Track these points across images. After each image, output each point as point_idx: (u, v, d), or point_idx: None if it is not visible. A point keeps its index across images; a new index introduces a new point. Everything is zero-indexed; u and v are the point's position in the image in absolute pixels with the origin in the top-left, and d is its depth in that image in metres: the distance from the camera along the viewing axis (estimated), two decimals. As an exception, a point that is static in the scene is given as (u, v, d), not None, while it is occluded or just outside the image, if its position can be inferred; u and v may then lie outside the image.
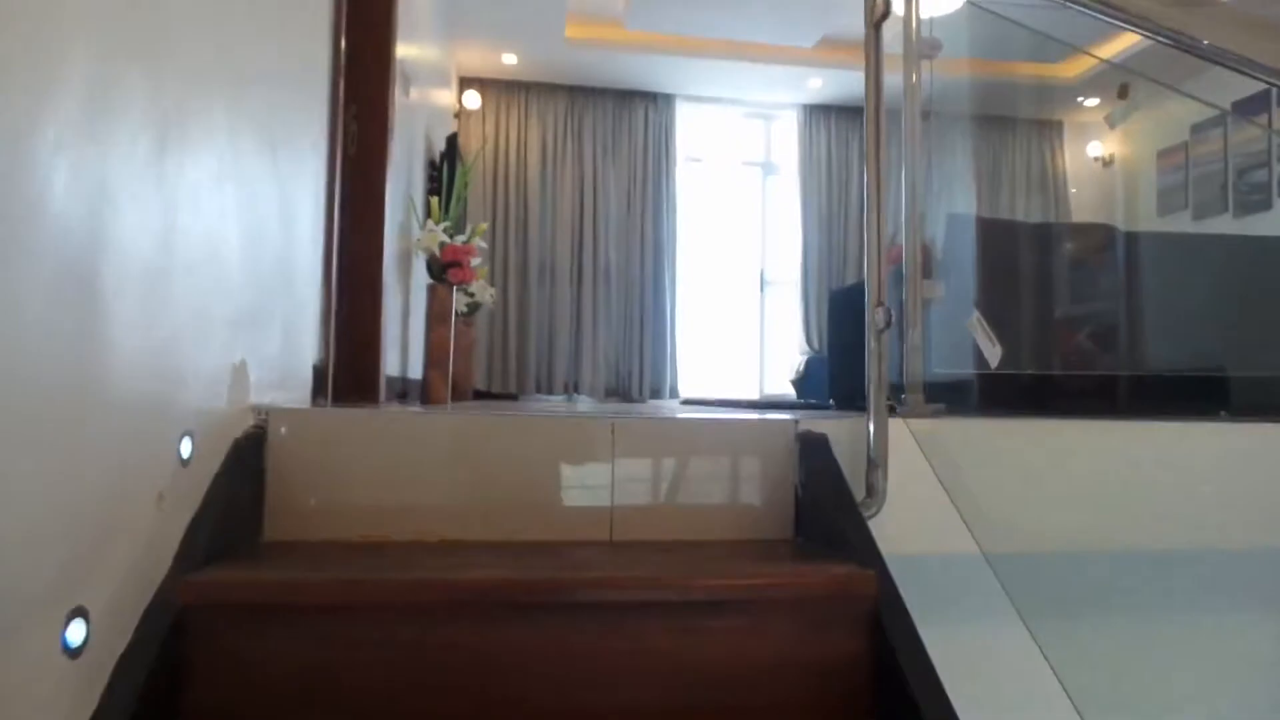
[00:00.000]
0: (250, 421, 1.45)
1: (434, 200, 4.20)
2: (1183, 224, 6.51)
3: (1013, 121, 7.50)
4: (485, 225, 6.08)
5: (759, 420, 1.67)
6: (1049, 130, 7.54)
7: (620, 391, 6.98)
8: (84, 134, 0.94)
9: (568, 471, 1.55)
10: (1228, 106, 6.11)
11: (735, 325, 7.23)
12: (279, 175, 1.76)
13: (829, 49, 6.28)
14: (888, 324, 1.53)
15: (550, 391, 6.87)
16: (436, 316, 4.16)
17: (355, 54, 3.34)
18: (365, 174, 3.36)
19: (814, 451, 1.60)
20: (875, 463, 1.57)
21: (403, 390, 3.99)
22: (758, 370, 7.39)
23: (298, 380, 1.89)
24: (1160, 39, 1.27)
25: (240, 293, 1.49)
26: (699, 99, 7.13)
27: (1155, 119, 6.84)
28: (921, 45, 1.90)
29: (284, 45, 1.83)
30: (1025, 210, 7.50)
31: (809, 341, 7.19)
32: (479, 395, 6.70)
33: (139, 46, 1.07)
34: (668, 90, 7.02)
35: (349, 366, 3.32)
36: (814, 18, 5.67)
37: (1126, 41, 6.16)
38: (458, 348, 6.34)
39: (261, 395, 1.59)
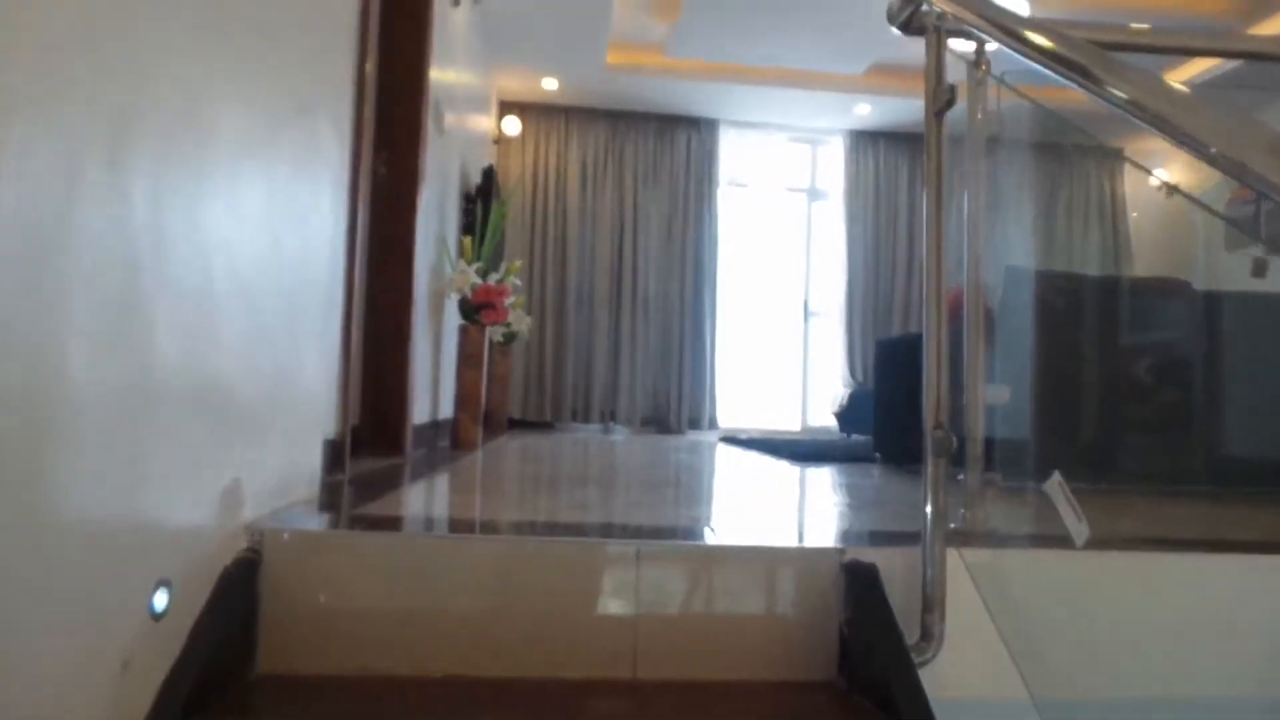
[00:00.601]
0: (243, 545, 1.33)
1: (467, 240, 4.09)
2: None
3: (1069, 149, 7.21)
4: (520, 263, 5.97)
5: (799, 550, 1.51)
6: (1108, 159, 7.23)
7: (658, 421, 6.84)
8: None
9: (589, 603, 1.40)
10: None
11: (777, 355, 7.04)
12: (281, 236, 1.64)
13: (879, 75, 6.08)
14: (949, 451, 1.36)
15: (587, 420, 6.74)
16: (468, 358, 4.06)
17: (385, 84, 3.25)
18: (394, 219, 3.26)
19: (862, 585, 1.43)
20: (931, 603, 1.40)
21: (433, 436, 3.89)
22: (800, 401, 7.19)
23: (303, 474, 1.77)
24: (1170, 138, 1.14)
25: (237, 398, 1.38)
26: (743, 124, 6.97)
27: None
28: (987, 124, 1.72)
29: (286, 72, 1.72)
30: (1082, 242, 7.20)
31: (853, 373, 6.97)
32: (514, 424, 6.61)
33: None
34: (710, 115, 6.87)
35: (374, 418, 3.22)
36: (864, 45, 5.48)
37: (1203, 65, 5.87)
38: (492, 377, 6.26)
39: (260, 505, 1.47)
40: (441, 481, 2.52)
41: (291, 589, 1.29)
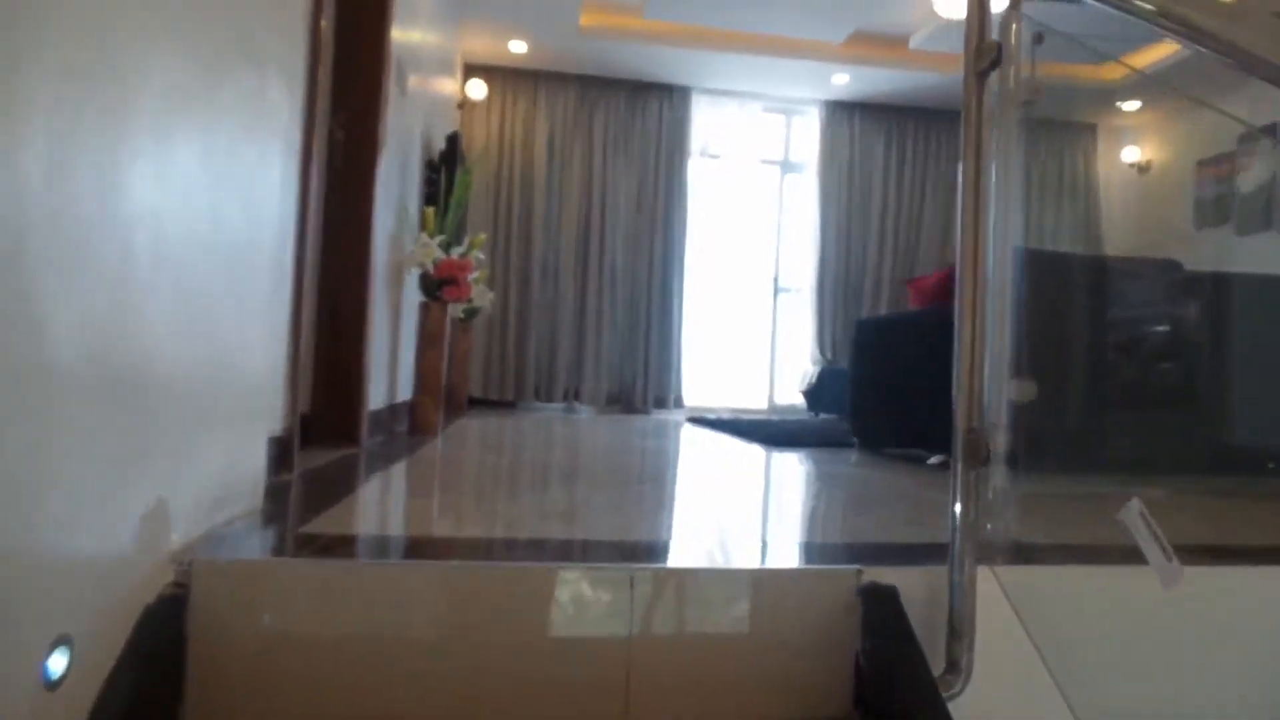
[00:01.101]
0: (168, 578, 1.12)
1: (429, 211, 3.85)
2: (1225, 237, 6.16)
3: (1047, 124, 7.13)
4: (484, 237, 5.73)
5: (812, 571, 1.34)
6: (1081, 134, 7.16)
7: (623, 399, 6.66)
8: None
9: (575, 632, 1.23)
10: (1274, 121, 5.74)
11: (746, 332, 6.89)
12: (222, 207, 1.42)
13: (859, 43, 5.90)
14: (986, 460, 1.20)
15: (550, 399, 6.54)
16: (429, 337, 3.84)
17: (341, 44, 2.99)
18: (351, 188, 3.02)
19: (881, 611, 1.28)
20: (959, 632, 1.25)
21: (390, 420, 3.67)
22: (767, 379, 7.06)
23: (244, 479, 1.56)
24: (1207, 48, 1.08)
25: (163, 395, 1.17)
26: (716, 92, 6.75)
27: (1197, 127, 6.47)
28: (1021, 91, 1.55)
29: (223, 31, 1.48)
30: (1055, 218, 7.14)
31: (823, 351, 6.85)
32: (474, 403, 6.38)
33: None
34: (683, 82, 6.63)
35: (327, 404, 3.00)
36: (846, 9, 5.29)
37: (1166, 51, 5.79)
38: (453, 355, 6.02)
39: (192, 524, 1.27)
40: (398, 479, 2.32)
41: (225, 629, 1.09)
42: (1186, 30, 1.11)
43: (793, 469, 3.09)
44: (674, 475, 2.83)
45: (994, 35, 1.28)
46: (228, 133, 1.43)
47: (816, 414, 6.74)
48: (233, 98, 1.45)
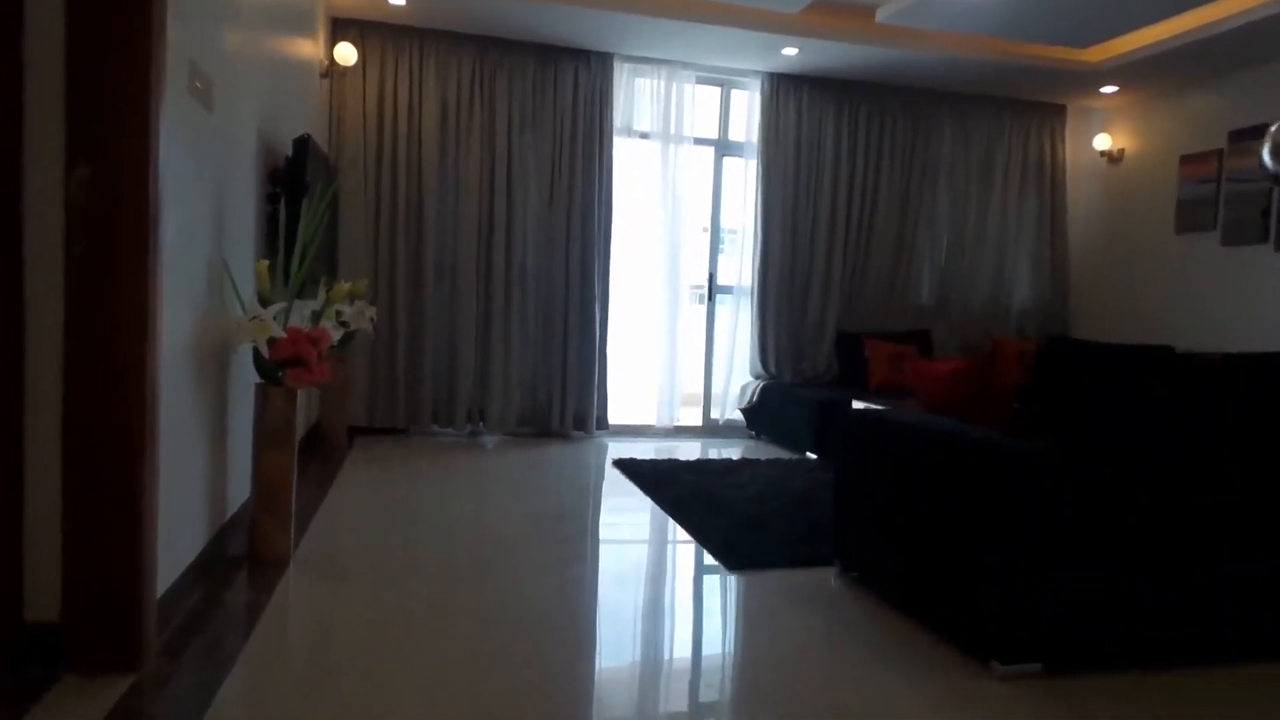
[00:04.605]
0: None
1: (263, 267, 2.77)
2: (1209, 245, 5.54)
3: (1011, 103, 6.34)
4: (365, 283, 4.60)
5: None
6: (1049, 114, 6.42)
7: (537, 421, 5.71)
8: None
9: None
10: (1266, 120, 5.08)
11: (678, 339, 5.96)
12: None
13: (817, 14, 4.93)
14: None
15: (450, 423, 5.54)
16: (269, 435, 2.80)
17: (77, 43, 1.86)
18: (108, 277, 1.95)
19: None
20: None
21: (215, 553, 2.66)
22: (703, 393, 6.22)
23: None
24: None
25: None
26: (640, 60, 5.69)
27: (1180, 114, 5.77)
28: None
29: None
30: (1018, 209, 6.42)
31: (765, 365, 6.02)
32: (358, 433, 5.33)
33: None
34: (603, 48, 5.54)
35: (89, 595, 1.98)
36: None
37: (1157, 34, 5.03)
38: (328, 388, 4.94)
39: None
40: None
41: None
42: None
43: (768, 626, 2.23)
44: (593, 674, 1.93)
45: None
46: None
47: (757, 435, 5.96)
48: None
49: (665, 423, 5.96)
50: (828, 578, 2.92)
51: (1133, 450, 2.27)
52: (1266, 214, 5.13)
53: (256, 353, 2.72)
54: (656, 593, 2.84)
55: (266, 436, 2.80)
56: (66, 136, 1.92)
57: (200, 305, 2.49)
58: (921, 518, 2.43)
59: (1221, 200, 5.42)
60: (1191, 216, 5.63)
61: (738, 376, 6.10)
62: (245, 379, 2.96)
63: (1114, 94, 5.97)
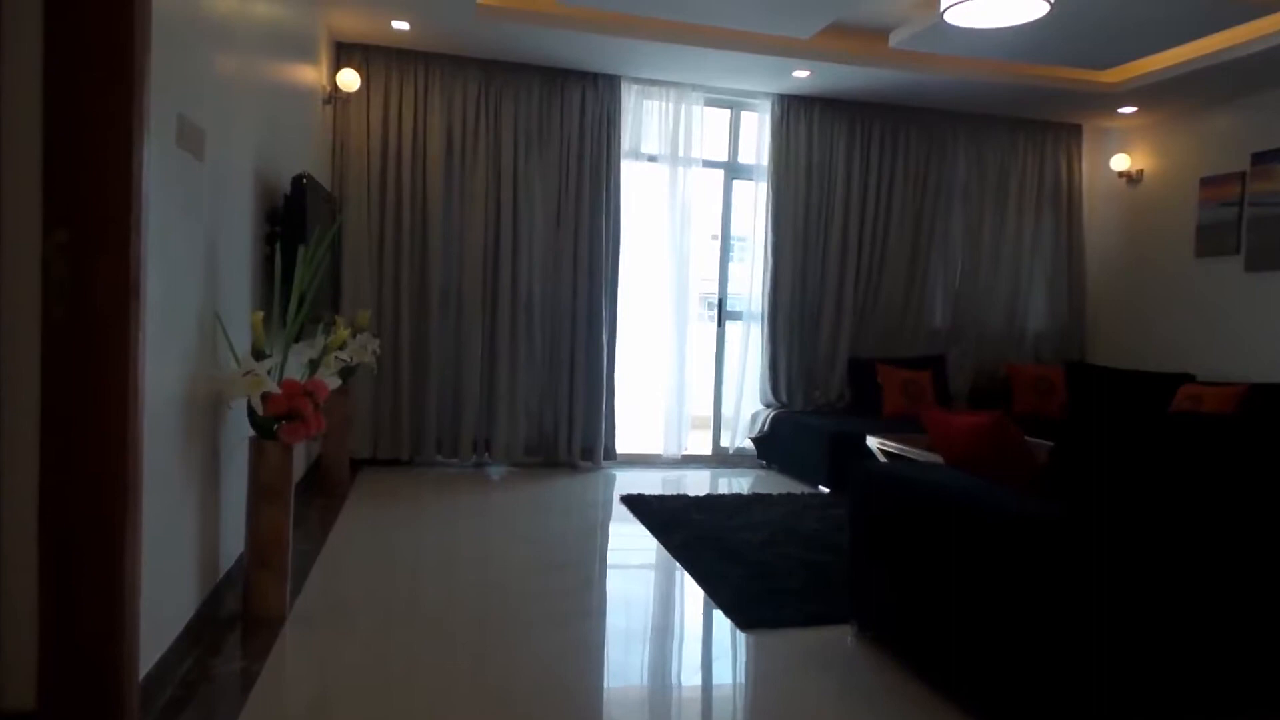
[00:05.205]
0: None
1: (257, 319, 2.68)
2: (1232, 269, 5.40)
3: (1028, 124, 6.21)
4: (368, 314, 4.58)
5: None
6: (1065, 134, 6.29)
7: (544, 450, 5.61)
8: None
9: None
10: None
11: (688, 366, 5.84)
12: None
13: (830, 38, 4.82)
14: None
15: (455, 454, 5.44)
16: (264, 490, 2.70)
17: (57, 98, 1.77)
18: (88, 345, 1.85)
19: None
20: None
21: (211, 613, 2.56)
22: (712, 421, 6.10)
23: None
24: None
25: None
26: (649, 82, 5.59)
27: (1201, 135, 5.64)
28: None
29: None
30: (1033, 231, 6.29)
31: (776, 393, 5.90)
32: (362, 465, 5.24)
33: None
34: (611, 70, 5.45)
35: (64, 693, 1.89)
36: (823, 5, 4.18)
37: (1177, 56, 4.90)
38: (330, 423, 4.85)
39: None
40: None
41: None
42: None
43: (781, 694, 2.12)
44: None
45: None
46: None
47: (769, 465, 5.84)
48: None
49: (673, 452, 5.83)
50: (844, 637, 2.80)
51: (1181, 511, 2.15)
52: (1292, 239, 4.99)
53: (251, 413, 2.63)
54: (664, 654, 2.72)
55: (261, 491, 2.70)
56: (44, 200, 1.83)
57: (191, 359, 2.40)
58: (942, 583, 2.31)
59: (1244, 223, 5.28)
60: (1212, 240, 5.49)
61: (748, 401, 5.98)
62: (240, 431, 2.87)
63: (1132, 114, 5.83)
